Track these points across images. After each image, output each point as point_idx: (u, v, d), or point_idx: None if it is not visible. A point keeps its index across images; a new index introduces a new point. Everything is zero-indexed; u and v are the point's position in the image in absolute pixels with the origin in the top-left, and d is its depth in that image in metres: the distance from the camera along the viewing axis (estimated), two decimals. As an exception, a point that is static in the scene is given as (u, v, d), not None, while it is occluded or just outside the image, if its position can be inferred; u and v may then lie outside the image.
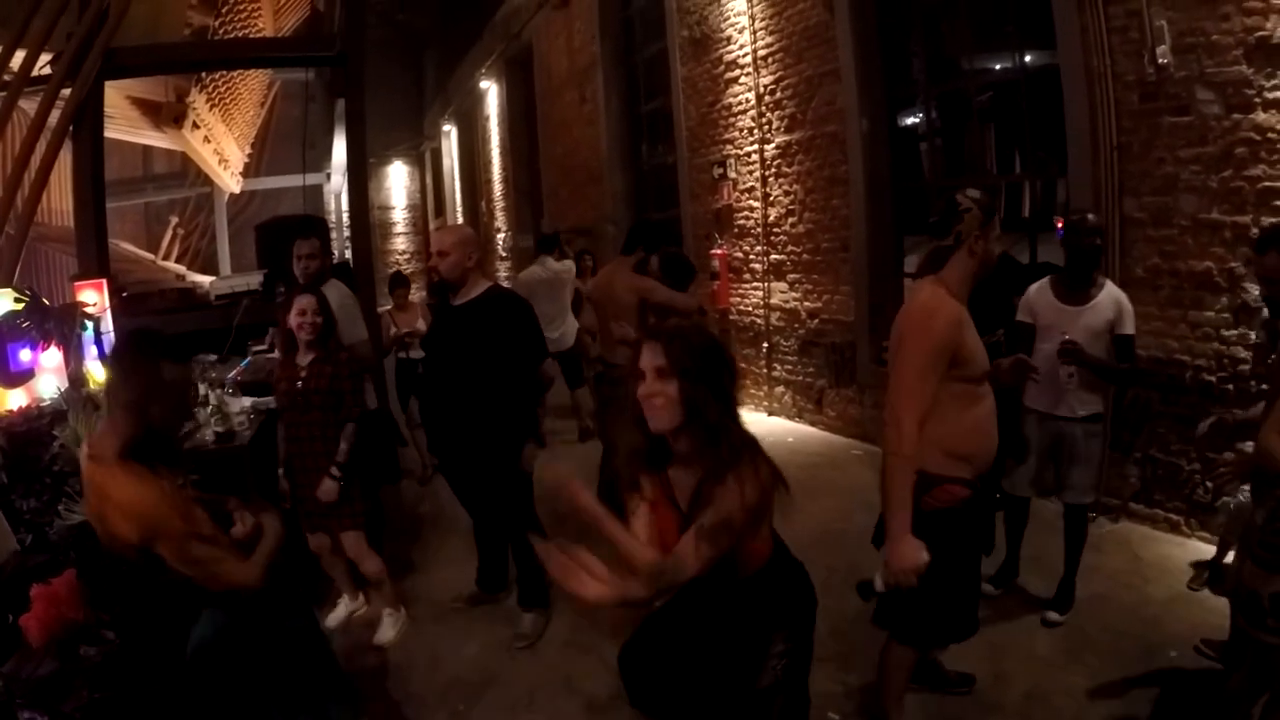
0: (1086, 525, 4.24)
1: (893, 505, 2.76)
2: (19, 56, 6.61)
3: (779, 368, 8.73)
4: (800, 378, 8.41)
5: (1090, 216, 4.14)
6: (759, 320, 8.89)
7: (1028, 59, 6.14)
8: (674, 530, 2.25)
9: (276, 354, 4.74)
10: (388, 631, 4.53)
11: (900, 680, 3.25)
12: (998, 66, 6.78)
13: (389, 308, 7.41)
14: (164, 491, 2.53)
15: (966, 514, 2.91)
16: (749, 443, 2.25)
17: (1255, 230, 4.36)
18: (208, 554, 2.57)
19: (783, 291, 8.52)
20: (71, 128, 6.70)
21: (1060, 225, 4.32)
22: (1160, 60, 4.69)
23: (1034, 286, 4.22)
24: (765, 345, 8.83)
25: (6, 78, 6.63)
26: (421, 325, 7.05)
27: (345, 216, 15.87)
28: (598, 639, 4.26)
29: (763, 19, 8.21)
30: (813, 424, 8.29)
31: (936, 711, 3.52)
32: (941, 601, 2.95)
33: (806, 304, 8.22)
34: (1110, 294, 4.03)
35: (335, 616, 4.72)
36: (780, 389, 8.75)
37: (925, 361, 2.79)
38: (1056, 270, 4.28)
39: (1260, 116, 4.35)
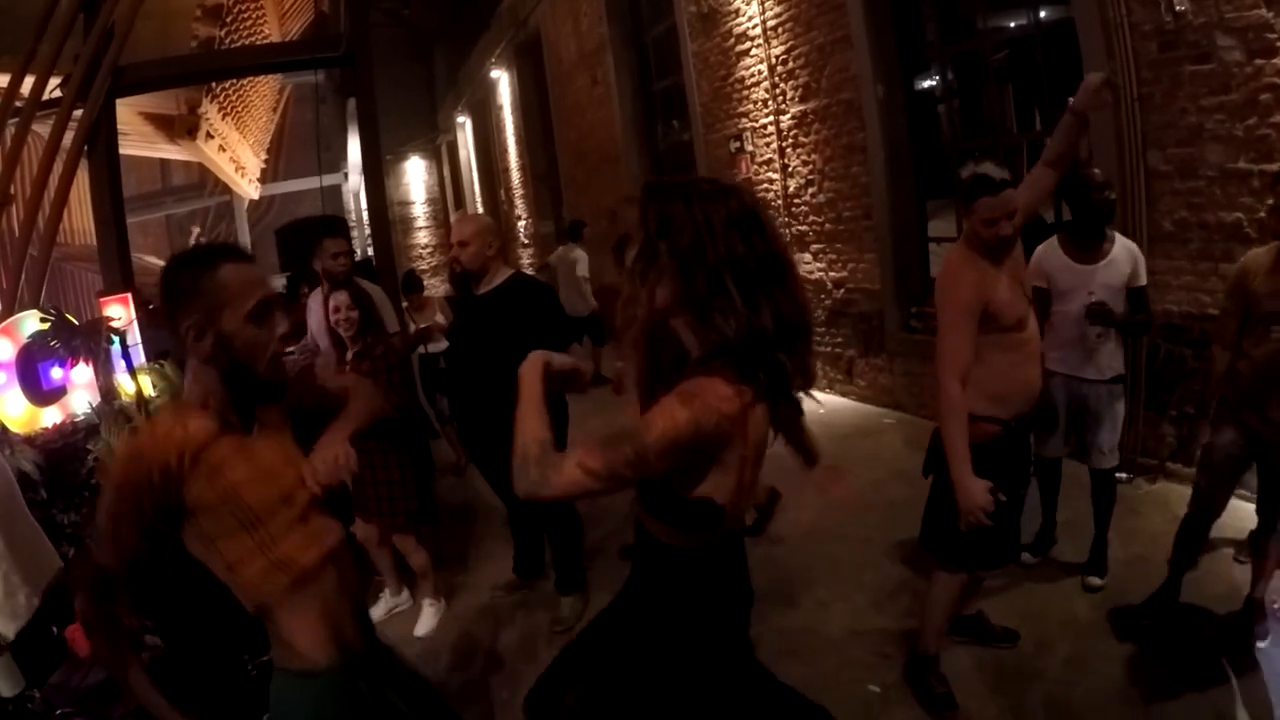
0: (1115, 487, 4.17)
1: (953, 458, 2.97)
2: (29, 82, 6.68)
3: (806, 340, 8.65)
4: (829, 348, 8.36)
5: (1097, 171, 4.01)
6: (784, 294, 8.82)
7: (1042, 14, 6.03)
8: None
9: (323, 356, 4.80)
10: (428, 622, 4.58)
11: (943, 610, 3.38)
12: (1012, 24, 6.66)
13: (405, 306, 7.44)
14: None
15: (998, 449, 3.07)
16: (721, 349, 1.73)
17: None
18: None
19: (807, 263, 8.45)
20: (86, 147, 6.75)
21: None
22: (1178, 8, 4.56)
23: (1041, 248, 4.09)
24: (791, 319, 8.75)
25: (18, 104, 6.69)
26: (440, 319, 7.10)
27: (365, 214, 15.94)
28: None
29: (770, -11, 8.12)
30: (844, 394, 8.24)
31: (978, 673, 3.50)
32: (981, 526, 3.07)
33: (831, 274, 8.16)
34: (1123, 246, 3.93)
35: (377, 610, 4.76)
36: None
37: (956, 324, 3.00)
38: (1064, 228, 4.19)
39: (1284, 60, 4.23)
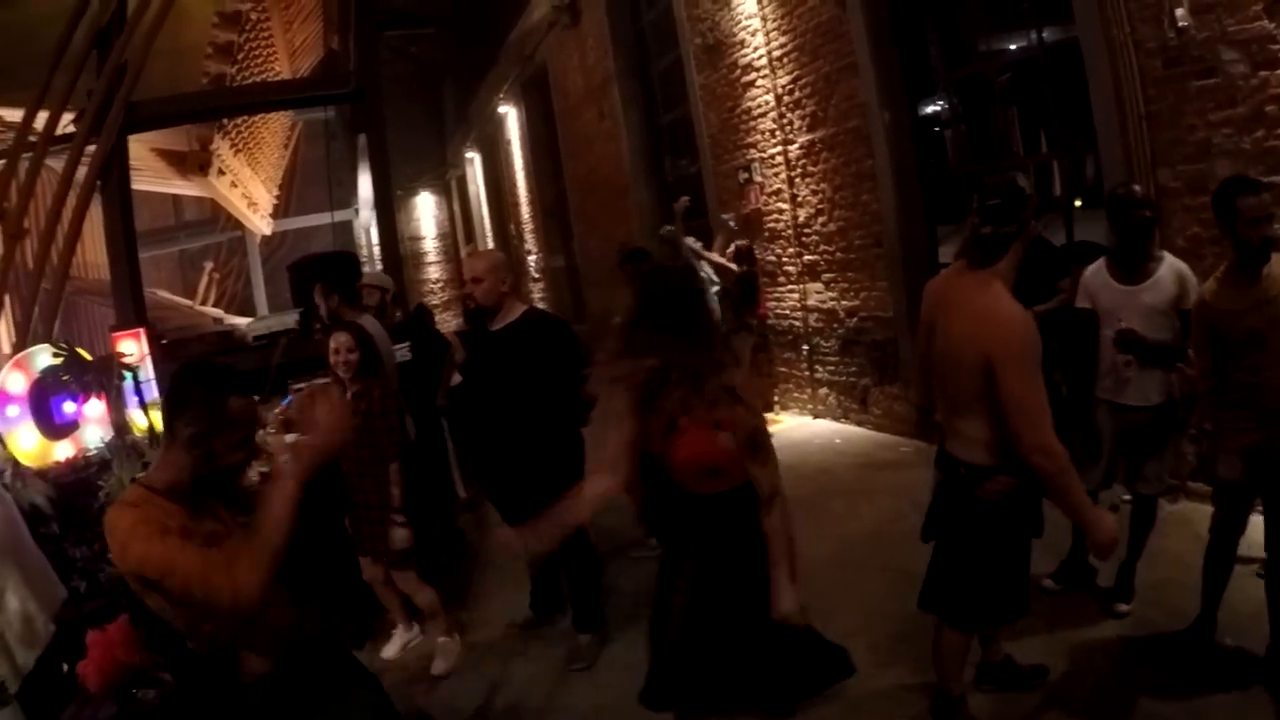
0: (1155, 514, 4.07)
1: (1082, 509, 2.85)
2: (42, 117, 6.75)
3: (820, 369, 8.64)
4: (843, 378, 8.31)
5: (1136, 187, 3.96)
6: (797, 323, 8.82)
7: (1045, 35, 6.04)
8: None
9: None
10: (444, 661, 4.51)
11: (955, 661, 3.25)
12: (1014, 46, 6.69)
13: None
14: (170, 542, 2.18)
15: (1016, 500, 2.93)
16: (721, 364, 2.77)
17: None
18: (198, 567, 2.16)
19: (819, 292, 8.44)
20: (99, 182, 6.80)
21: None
22: (1180, 23, 4.57)
23: (1090, 268, 4.01)
24: (805, 348, 8.75)
25: (32, 138, 6.76)
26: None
27: (377, 249, 16.00)
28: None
29: (774, 19, 8.17)
30: (859, 424, 8.18)
31: (1007, 710, 3.42)
32: (993, 584, 3.02)
33: (844, 303, 8.13)
34: (1172, 267, 3.79)
35: (390, 649, 4.72)
36: (824, 391, 8.66)
37: (1035, 375, 2.73)
38: (1094, 248, 4.14)
39: (1289, 71, 4.22)
